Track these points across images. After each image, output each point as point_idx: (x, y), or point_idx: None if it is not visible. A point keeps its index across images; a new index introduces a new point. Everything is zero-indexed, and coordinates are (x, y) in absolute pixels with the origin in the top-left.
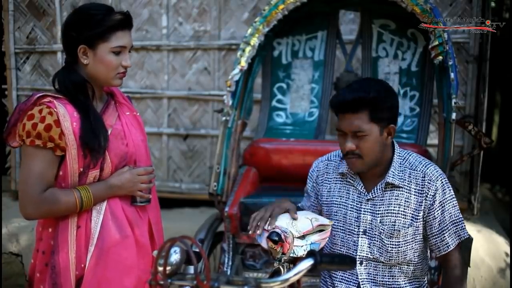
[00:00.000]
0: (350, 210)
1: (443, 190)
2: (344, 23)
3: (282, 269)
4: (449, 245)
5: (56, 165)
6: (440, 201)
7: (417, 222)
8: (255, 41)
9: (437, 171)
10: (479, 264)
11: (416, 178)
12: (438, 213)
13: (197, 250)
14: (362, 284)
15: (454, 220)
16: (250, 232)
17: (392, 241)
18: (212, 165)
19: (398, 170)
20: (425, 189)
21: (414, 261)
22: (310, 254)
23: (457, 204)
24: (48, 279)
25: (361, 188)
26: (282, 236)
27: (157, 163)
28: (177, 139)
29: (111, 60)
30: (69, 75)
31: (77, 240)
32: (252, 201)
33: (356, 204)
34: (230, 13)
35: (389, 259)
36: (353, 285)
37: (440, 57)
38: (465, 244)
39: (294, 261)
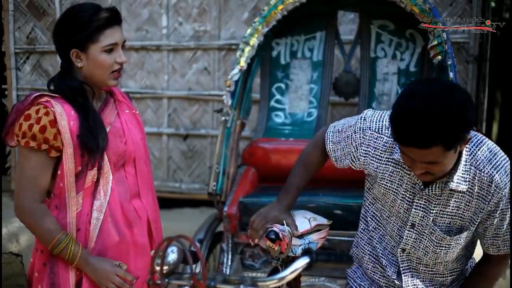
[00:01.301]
0: (400, 199)
1: (507, 199)
2: (344, 23)
3: (280, 268)
4: (500, 249)
5: (51, 168)
6: (502, 209)
7: (474, 226)
8: (254, 41)
9: (506, 176)
10: None
11: (481, 181)
12: (497, 220)
13: (194, 249)
14: (403, 272)
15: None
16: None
17: (442, 244)
18: (212, 165)
19: (462, 172)
20: (489, 195)
21: (460, 258)
22: (306, 252)
23: None
24: (46, 278)
25: (417, 180)
26: (280, 235)
27: (157, 163)
28: (177, 139)
29: (104, 59)
30: (65, 81)
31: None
32: (251, 200)
33: (409, 195)
34: (230, 13)
35: (435, 259)
36: (394, 269)
37: (439, 57)
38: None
39: (292, 260)
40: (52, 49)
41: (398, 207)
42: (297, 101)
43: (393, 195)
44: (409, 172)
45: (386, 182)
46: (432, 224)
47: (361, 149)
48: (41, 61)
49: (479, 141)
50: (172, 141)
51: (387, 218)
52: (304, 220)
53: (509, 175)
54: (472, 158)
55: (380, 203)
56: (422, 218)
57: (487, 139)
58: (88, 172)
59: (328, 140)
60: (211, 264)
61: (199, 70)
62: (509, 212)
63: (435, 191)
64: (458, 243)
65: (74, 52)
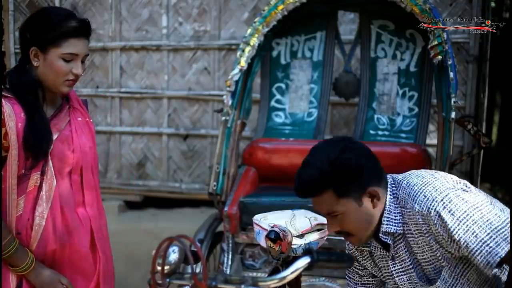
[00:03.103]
0: (387, 277)
1: (443, 221)
2: (344, 23)
3: (280, 268)
4: (488, 265)
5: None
6: (449, 234)
7: (445, 261)
8: (254, 41)
9: (426, 201)
10: None
11: (411, 218)
12: (455, 248)
13: (195, 249)
14: None
15: (474, 249)
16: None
17: None
18: (212, 165)
19: (394, 214)
20: (424, 227)
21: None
22: (307, 252)
23: (478, 219)
24: None
25: (381, 250)
26: (281, 235)
27: (157, 163)
28: (177, 139)
29: (60, 65)
30: (19, 76)
31: None
32: (252, 200)
33: (386, 266)
34: (230, 13)
35: None
36: None
37: (439, 57)
38: None
39: (293, 260)
40: None
41: (388, 282)
42: (297, 101)
43: (381, 276)
44: (371, 249)
45: (369, 268)
46: (418, 279)
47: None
48: None
49: (398, 181)
50: (172, 141)
51: None
52: (304, 220)
53: (429, 198)
54: (397, 200)
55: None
56: (410, 281)
57: (413, 174)
58: (32, 176)
59: None
60: (212, 264)
61: (199, 70)
62: (462, 230)
63: (396, 249)
64: (455, 279)
65: (33, 50)
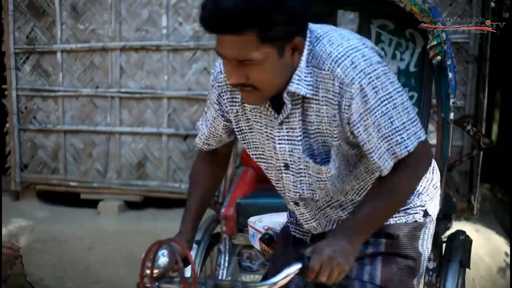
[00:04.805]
0: (266, 139)
1: (364, 97)
2: (344, 23)
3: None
4: (382, 168)
5: None
6: (361, 114)
7: (337, 140)
8: None
9: (353, 69)
10: (479, 264)
11: (324, 81)
12: (360, 130)
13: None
14: (306, 223)
15: (385, 134)
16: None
17: (321, 177)
18: None
19: (305, 74)
20: (336, 97)
21: (366, 184)
22: (299, 258)
23: (396, 106)
24: None
25: (270, 109)
26: (275, 238)
27: (157, 163)
28: (177, 139)
29: None
30: None
31: None
32: (249, 202)
33: (270, 130)
34: None
35: (328, 198)
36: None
37: (439, 57)
38: (464, 245)
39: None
40: (52, 49)
41: (269, 150)
42: None
43: (260, 136)
44: (264, 105)
45: (247, 123)
46: (303, 155)
47: (223, 98)
48: (41, 61)
49: (318, 36)
50: (172, 141)
51: (269, 168)
52: None
53: (359, 67)
54: (311, 59)
55: (257, 152)
56: (291, 153)
57: (336, 31)
58: None
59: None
60: (208, 266)
61: (199, 70)
62: (376, 115)
63: (288, 112)
64: (337, 169)
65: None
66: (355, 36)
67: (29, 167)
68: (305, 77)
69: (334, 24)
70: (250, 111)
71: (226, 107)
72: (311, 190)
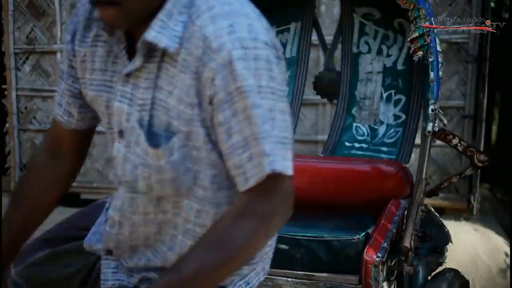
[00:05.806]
0: (107, 93)
1: (232, 72)
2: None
3: None
4: (239, 181)
5: None
6: (231, 93)
7: (191, 124)
8: None
9: (230, 34)
10: (479, 264)
11: (191, 39)
12: (221, 116)
13: None
14: (110, 227)
15: (257, 134)
16: None
17: (149, 161)
18: None
19: (175, 21)
20: (197, 63)
21: (207, 193)
22: None
23: (276, 109)
24: None
25: (124, 52)
26: None
27: None
28: None
29: None
30: None
31: None
32: None
33: (114, 84)
34: None
35: (151, 188)
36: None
37: (420, 52)
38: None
39: None
40: (52, 49)
41: (108, 113)
42: None
43: (105, 90)
44: (113, 46)
45: (92, 72)
46: (138, 125)
47: (76, 39)
48: (40, 61)
49: None
50: None
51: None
52: None
53: (239, 34)
54: (191, 4)
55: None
56: (128, 117)
57: None
58: None
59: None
60: None
61: None
62: (247, 102)
63: (139, 64)
64: (173, 164)
65: None
66: (257, 10)
67: None
68: (174, 25)
69: (312, 13)
70: (101, 55)
71: (75, 49)
72: (135, 174)
